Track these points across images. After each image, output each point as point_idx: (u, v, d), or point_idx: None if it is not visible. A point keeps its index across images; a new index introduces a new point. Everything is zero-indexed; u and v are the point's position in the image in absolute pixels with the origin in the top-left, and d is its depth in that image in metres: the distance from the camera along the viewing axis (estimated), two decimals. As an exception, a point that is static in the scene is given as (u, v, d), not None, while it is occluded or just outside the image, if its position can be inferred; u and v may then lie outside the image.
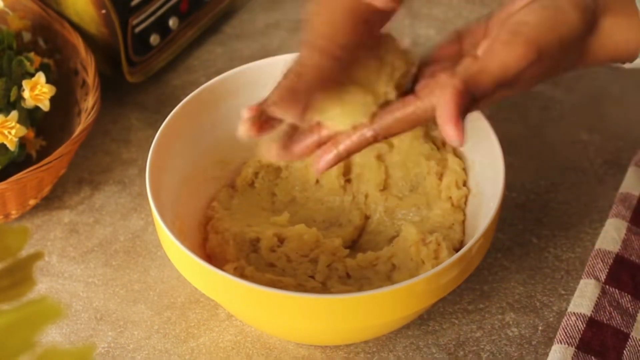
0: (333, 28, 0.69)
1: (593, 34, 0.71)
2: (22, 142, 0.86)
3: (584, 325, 0.79)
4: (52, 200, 0.91)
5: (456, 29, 0.75)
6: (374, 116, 0.71)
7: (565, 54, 0.70)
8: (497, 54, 0.68)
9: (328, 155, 0.73)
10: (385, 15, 0.72)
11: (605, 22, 0.71)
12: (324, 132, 0.73)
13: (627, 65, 0.74)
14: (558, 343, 0.78)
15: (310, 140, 0.73)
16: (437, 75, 0.70)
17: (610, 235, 0.84)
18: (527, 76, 0.69)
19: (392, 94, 0.72)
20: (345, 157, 0.73)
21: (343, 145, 0.72)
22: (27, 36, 0.93)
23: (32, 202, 0.87)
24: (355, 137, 0.72)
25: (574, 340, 0.78)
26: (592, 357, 0.77)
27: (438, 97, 0.67)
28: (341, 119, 0.72)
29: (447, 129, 0.67)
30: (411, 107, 0.70)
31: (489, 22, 0.73)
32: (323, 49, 0.69)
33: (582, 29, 0.70)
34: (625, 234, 0.84)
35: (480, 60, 0.68)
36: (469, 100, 0.67)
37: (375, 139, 0.72)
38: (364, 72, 0.72)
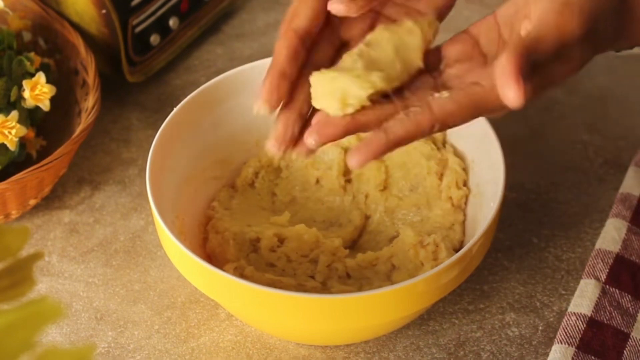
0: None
1: (626, 10, 0.68)
2: (22, 142, 0.86)
3: (584, 325, 0.79)
4: (52, 200, 0.91)
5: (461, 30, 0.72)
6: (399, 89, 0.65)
7: (605, 27, 0.67)
8: (552, 22, 0.63)
9: (373, 144, 0.64)
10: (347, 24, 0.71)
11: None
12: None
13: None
14: (558, 343, 0.78)
15: (337, 126, 0.65)
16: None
17: (611, 235, 0.84)
18: (579, 51, 0.65)
19: (420, 62, 0.68)
20: (393, 148, 0.64)
21: (393, 134, 0.64)
22: (27, 36, 0.93)
23: (32, 202, 0.87)
24: (409, 124, 0.64)
25: (574, 340, 0.78)
26: (593, 357, 0.77)
27: (497, 63, 0.61)
28: (329, 102, 0.66)
29: (506, 89, 0.60)
30: (477, 88, 0.64)
31: (497, 16, 0.70)
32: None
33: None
34: (626, 234, 0.84)
35: (535, 30, 0.64)
36: (529, 64, 0.61)
37: (431, 129, 0.64)
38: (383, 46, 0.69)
